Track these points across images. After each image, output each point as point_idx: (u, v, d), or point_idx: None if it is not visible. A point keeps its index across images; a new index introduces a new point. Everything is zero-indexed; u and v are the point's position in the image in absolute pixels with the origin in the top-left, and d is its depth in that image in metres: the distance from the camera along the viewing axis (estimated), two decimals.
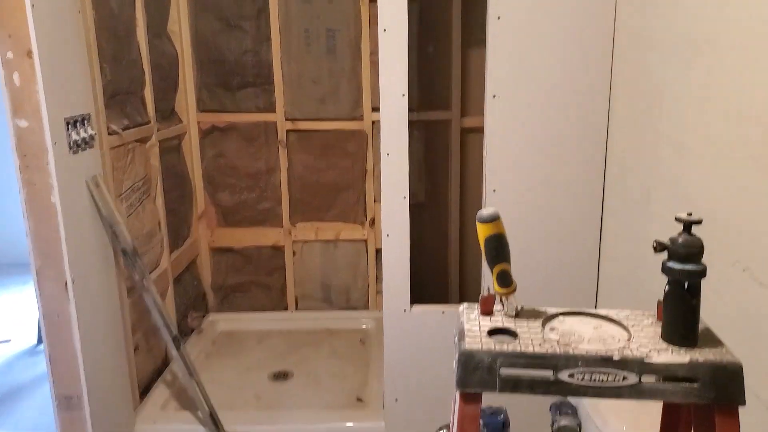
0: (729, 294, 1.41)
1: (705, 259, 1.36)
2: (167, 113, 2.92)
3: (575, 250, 2.41)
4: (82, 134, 2.03)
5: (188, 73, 3.09)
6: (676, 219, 1.00)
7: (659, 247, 0.99)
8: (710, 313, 1.47)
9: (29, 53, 1.80)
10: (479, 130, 2.41)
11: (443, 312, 2.53)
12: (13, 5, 1.77)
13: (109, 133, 2.26)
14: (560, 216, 2.38)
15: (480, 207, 2.44)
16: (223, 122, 3.17)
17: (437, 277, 3.43)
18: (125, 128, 2.38)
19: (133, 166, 2.48)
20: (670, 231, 1.03)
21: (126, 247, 2.22)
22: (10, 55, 1.80)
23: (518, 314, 1.13)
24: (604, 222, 2.36)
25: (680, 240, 0.98)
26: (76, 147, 2.00)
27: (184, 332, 3.07)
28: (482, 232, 1.09)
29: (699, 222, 0.98)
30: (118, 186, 2.35)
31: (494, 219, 1.09)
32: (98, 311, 2.12)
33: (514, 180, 2.37)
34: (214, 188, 3.26)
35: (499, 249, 1.10)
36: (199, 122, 3.16)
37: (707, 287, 1.46)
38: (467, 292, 3.40)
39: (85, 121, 2.05)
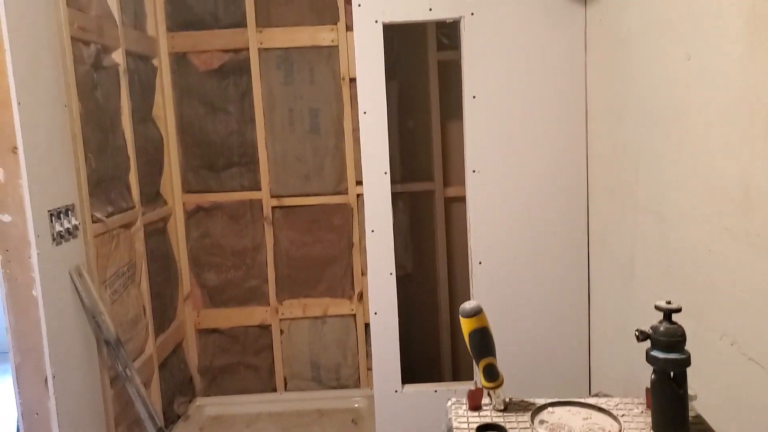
0: (718, 369, 1.40)
1: (693, 332, 1.35)
2: (152, 196, 2.94)
3: (563, 322, 2.40)
4: (66, 225, 2.03)
5: (173, 156, 3.13)
6: (656, 308, 1.00)
7: (641, 336, 0.99)
8: (701, 388, 1.45)
9: (14, 149, 1.82)
10: (463, 200, 2.44)
11: (435, 391, 2.49)
12: None
13: (93, 222, 2.26)
14: (547, 287, 2.39)
15: (468, 278, 2.45)
16: (208, 202, 3.19)
17: (429, 352, 3.39)
18: (109, 215, 2.38)
19: (117, 252, 2.47)
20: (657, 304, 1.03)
21: (109, 337, 2.19)
22: None
23: (507, 407, 1.11)
24: (592, 294, 2.36)
25: (661, 329, 0.99)
26: (60, 238, 2.00)
27: (170, 419, 2.98)
28: (466, 326, 1.09)
29: (678, 310, 0.99)
30: (102, 273, 2.33)
31: (477, 313, 1.08)
32: (80, 406, 2.07)
33: (498, 252, 2.39)
34: (200, 268, 3.24)
35: (483, 343, 1.10)
36: (184, 203, 3.18)
37: (697, 361, 1.45)
38: (460, 367, 3.35)
39: (69, 212, 2.05)
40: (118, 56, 2.48)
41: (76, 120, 2.11)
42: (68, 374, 2.00)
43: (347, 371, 3.34)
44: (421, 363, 3.36)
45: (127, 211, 2.55)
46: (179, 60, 3.07)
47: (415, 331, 3.35)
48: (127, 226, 2.58)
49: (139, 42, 2.76)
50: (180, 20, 3.04)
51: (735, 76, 1.31)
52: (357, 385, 3.34)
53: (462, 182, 2.43)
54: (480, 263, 2.40)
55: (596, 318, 2.32)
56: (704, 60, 1.44)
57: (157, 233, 2.95)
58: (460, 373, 3.37)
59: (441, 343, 3.40)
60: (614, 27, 2.02)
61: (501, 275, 2.39)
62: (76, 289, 2.09)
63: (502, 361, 2.32)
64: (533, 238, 2.36)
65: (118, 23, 2.47)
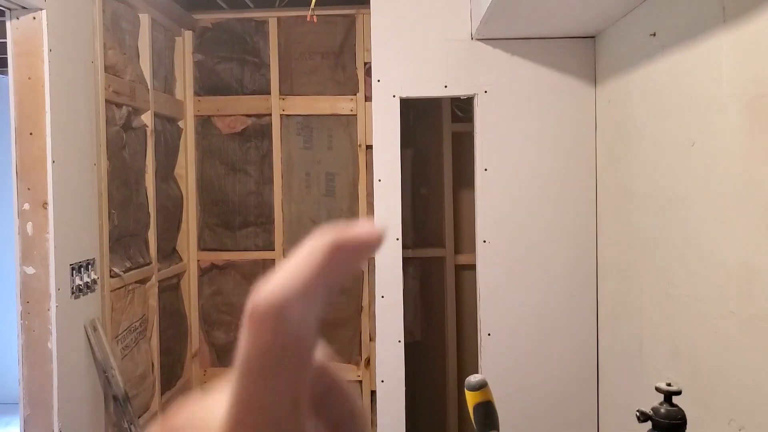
0: None
1: (701, 416, 1.35)
2: (168, 252, 3.00)
3: (572, 400, 2.38)
4: (85, 279, 2.09)
5: (192, 214, 3.21)
6: (656, 389, 1.02)
7: (642, 417, 1.01)
8: None
9: (45, 204, 1.90)
10: (473, 267, 2.48)
11: None
12: (34, 159, 1.89)
13: (111, 276, 2.31)
14: (556, 363, 2.38)
15: (477, 347, 2.45)
16: (222, 260, 3.25)
17: (435, 422, 3.35)
18: (127, 270, 2.44)
19: (131, 307, 2.52)
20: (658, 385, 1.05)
21: (117, 393, 2.20)
22: (26, 206, 1.90)
23: None
24: (601, 372, 2.35)
25: (662, 410, 1.00)
26: (78, 291, 2.05)
27: None
28: (471, 399, 1.11)
29: (678, 393, 1.01)
30: (115, 327, 2.37)
31: (482, 386, 1.11)
32: None
33: (508, 324, 2.40)
34: (210, 326, 3.27)
35: (487, 416, 1.12)
36: (198, 260, 3.24)
37: None
38: None
39: (89, 266, 2.11)
40: (147, 118, 2.60)
41: (104, 178, 2.20)
42: (75, 429, 2.01)
43: None
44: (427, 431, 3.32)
45: (143, 267, 2.61)
46: (204, 122, 3.20)
47: (421, 400, 3.32)
48: (143, 281, 2.63)
49: (168, 105, 2.89)
50: (207, 85, 3.19)
51: (736, 163, 1.36)
52: None
53: (472, 250, 2.48)
54: (489, 335, 2.41)
55: (605, 397, 2.31)
56: (707, 146, 1.50)
57: (170, 289, 2.99)
58: None
59: (448, 414, 3.36)
60: (621, 109, 2.10)
61: (510, 348, 2.40)
62: (90, 343, 2.13)
63: None
64: (542, 311, 2.38)
65: (149, 87, 2.60)
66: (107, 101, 2.20)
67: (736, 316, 1.35)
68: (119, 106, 2.33)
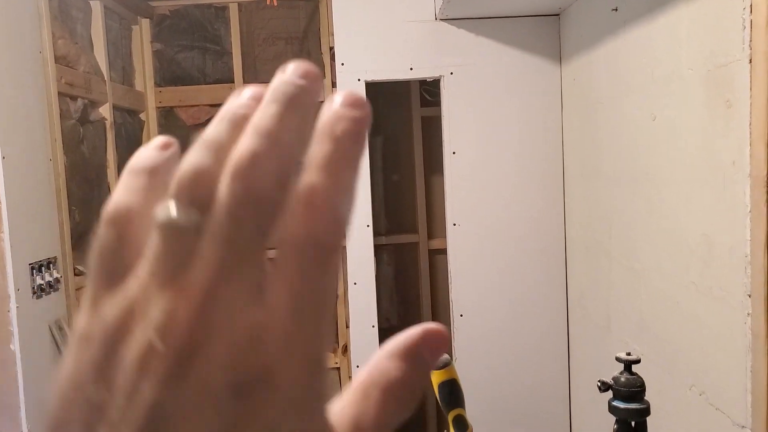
0: (688, 419, 1.42)
1: (664, 384, 1.37)
2: None
3: (544, 375, 2.40)
4: (47, 278, 2.03)
5: None
6: (617, 359, 1.03)
7: (603, 386, 1.01)
8: None
9: None
10: (446, 252, 2.47)
11: None
12: None
13: (76, 274, 2.26)
14: (527, 340, 2.39)
15: (451, 331, 2.45)
16: None
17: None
18: None
19: None
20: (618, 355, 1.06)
21: None
22: None
23: None
24: (571, 347, 2.37)
25: (622, 379, 1.01)
26: (41, 291, 2.00)
27: None
28: (435, 378, 1.10)
29: (637, 361, 1.02)
30: None
31: (446, 365, 1.10)
32: None
33: (479, 305, 2.40)
34: None
35: (453, 395, 1.11)
36: None
37: (670, 410, 1.46)
38: (444, 421, 3.31)
39: (51, 265, 2.06)
40: (105, 111, 2.53)
41: (61, 174, 2.14)
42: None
43: None
44: (405, 421, 3.32)
45: None
46: (167, 114, 3.14)
47: None
48: None
49: (127, 97, 2.82)
50: (168, 76, 3.12)
51: (695, 135, 1.37)
52: None
53: (445, 234, 2.47)
54: (461, 316, 2.41)
55: (575, 372, 2.33)
56: (668, 121, 1.51)
57: None
58: (443, 427, 3.33)
59: (426, 397, 3.37)
60: (586, 88, 2.10)
61: (482, 328, 2.40)
62: (56, 343, 2.07)
63: (483, 413, 2.31)
64: (513, 291, 2.39)
65: (106, 78, 2.53)
66: (60, 93, 2.13)
67: (696, 287, 1.37)
68: (74, 98, 2.26)
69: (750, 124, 1.13)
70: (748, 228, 1.14)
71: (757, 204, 1.11)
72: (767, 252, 1.08)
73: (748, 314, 1.16)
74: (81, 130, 2.33)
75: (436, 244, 3.29)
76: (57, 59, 2.12)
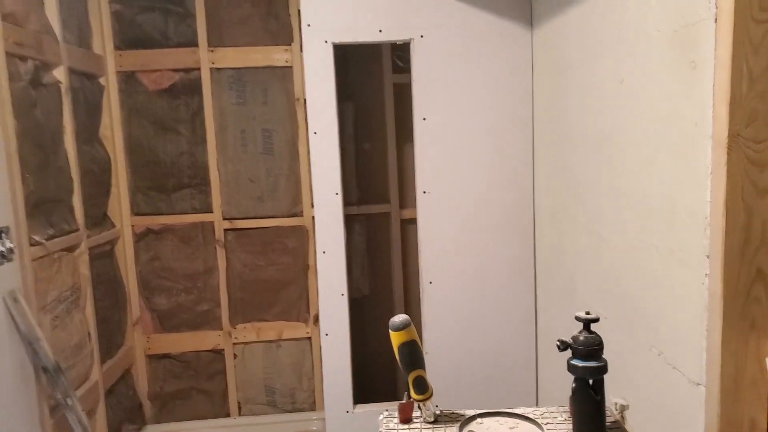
0: (647, 378, 1.42)
1: (625, 345, 1.38)
2: (99, 219, 2.86)
3: (512, 339, 2.40)
4: (0, 248, 1.96)
5: (122, 177, 3.06)
6: (576, 318, 1.01)
7: (562, 345, 1.00)
8: (632, 397, 1.47)
9: None
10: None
11: (387, 410, 2.45)
12: None
13: (32, 244, 2.18)
14: (496, 306, 2.39)
15: (420, 299, 2.44)
16: (158, 225, 3.13)
17: (385, 372, 3.35)
18: (50, 238, 2.31)
19: (59, 276, 2.40)
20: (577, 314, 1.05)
21: (47, 364, 2.10)
22: None
23: (437, 419, 1.10)
24: (539, 311, 2.37)
25: (581, 338, 1.00)
26: None
27: None
28: (395, 339, 1.08)
29: (596, 320, 1.00)
30: (42, 298, 2.25)
31: (406, 326, 1.08)
32: None
33: (448, 272, 2.39)
34: (150, 292, 3.17)
35: (413, 355, 1.09)
36: (133, 226, 3.11)
37: (631, 370, 1.47)
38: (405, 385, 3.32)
39: (3, 234, 1.98)
40: (59, 73, 2.43)
41: (12, 138, 2.05)
42: (3, 403, 1.91)
43: (302, 395, 3.28)
44: (377, 383, 3.33)
45: (69, 234, 2.48)
46: (128, 79, 3.03)
47: (371, 353, 3.32)
48: (70, 249, 2.50)
49: (84, 60, 2.71)
50: (128, 38, 3.00)
51: (660, 97, 1.35)
52: (313, 408, 3.28)
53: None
54: (431, 283, 2.39)
55: (543, 335, 2.34)
56: (635, 83, 1.48)
57: (103, 256, 2.87)
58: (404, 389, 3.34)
59: (396, 367, 3.36)
60: (556, 52, 2.06)
61: (451, 295, 2.39)
62: (11, 314, 2.01)
63: (453, 377, 2.31)
64: (482, 257, 2.37)
65: (59, 39, 2.42)
66: (8, 54, 2.03)
67: (657, 249, 1.36)
68: (23, 59, 2.16)
69: (713, 84, 1.12)
70: (709, 190, 1.14)
71: (717, 165, 1.10)
72: (725, 213, 1.08)
73: (706, 275, 1.16)
74: (33, 93, 2.23)
75: (408, 213, 3.27)
76: (4, 17, 2.01)
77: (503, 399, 2.38)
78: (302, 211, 3.17)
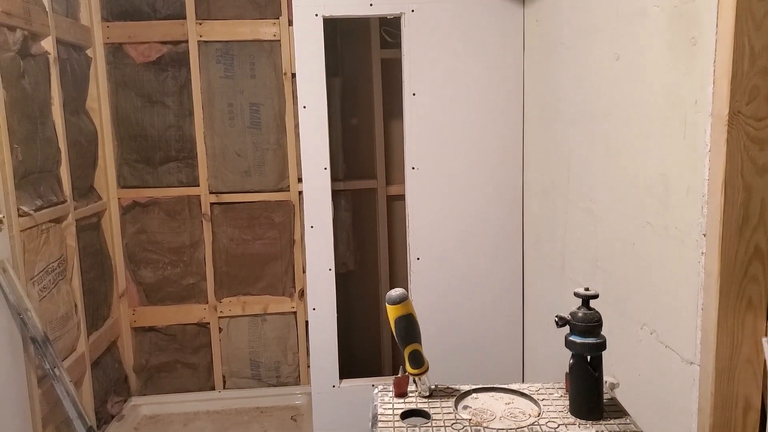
0: (639, 356, 1.46)
1: (617, 323, 1.40)
2: (85, 191, 2.85)
3: (499, 315, 2.45)
4: None
5: (108, 150, 3.04)
6: (575, 294, 1.04)
7: (560, 321, 1.02)
8: (623, 375, 1.51)
9: None
10: (404, 198, 2.46)
11: (373, 385, 2.49)
12: None
13: (20, 215, 2.17)
14: (483, 282, 2.43)
15: (407, 275, 2.47)
16: (145, 197, 3.12)
17: (369, 347, 3.40)
18: (38, 209, 2.30)
19: (47, 247, 2.39)
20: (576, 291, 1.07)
21: (35, 335, 2.11)
22: None
23: (432, 394, 1.13)
24: (526, 287, 2.42)
25: (579, 314, 1.02)
26: None
27: (103, 419, 2.89)
28: (392, 313, 1.10)
29: (595, 296, 1.03)
30: (30, 269, 2.25)
31: (403, 300, 1.10)
32: (5, 405, 1.98)
33: (436, 248, 2.42)
34: (136, 265, 3.16)
35: (409, 329, 1.11)
36: (119, 198, 3.09)
37: (622, 348, 1.51)
38: (400, 363, 3.38)
39: None
40: (48, 44, 2.39)
41: (1, 109, 2.03)
42: None
43: (287, 369, 3.32)
44: (362, 359, 3.37)
45: (57, 206, 2.46)
46: (115, 51, 2.99)
47: (356, 328, 3.36)
48: (58, 220, 2.49)
49: (72, 31, 2.67)
50: (116, 10, 2.96)
51: (658, 74, 1.36)
52: (297, 382, 3.32)
53: (404, 181, 2.45)
54: (418, 259, 2.43)
55: (530, 310, 2.39)
56: (631, 60, 1.49)
57: (90, 228, 2.86)
58: (399, 363, 3.40)
59: (382, 339, 3.42)
60: (549, 28, 2.08)
61: (438, 271, 2.42)
62: (0, 285, 2.01)
63: (440, 353, 2.36)
64: (470, 234, 2.41)
65: (47, 10, 2.38)
66: None
67: (652, 227, 1.38)
68: (12, 29, 2.13)
69: (714, 61, 1.12)
70: (707, 167, 1.14)
71: (716, 143, 1.10)
72: (724, 191, 1.08)
73: (702, 253, 1.17)
74: (21, 63, 2.20)
75: (394, 190, 3.29)
76: None
77: (490, 373, 2.44)
78: (289, 186, 3.17)
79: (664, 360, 1.34)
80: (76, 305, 2.62)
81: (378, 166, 3.29)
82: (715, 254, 1.11)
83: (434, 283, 2.43)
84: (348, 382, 2.49)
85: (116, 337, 3.12)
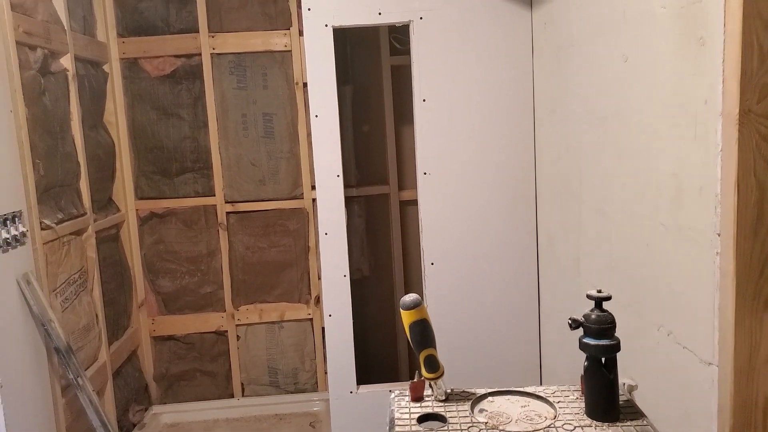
0: (656, 358, 1.45)
1: (634, 325, 1.39)
2: (104, 203, 2.90)
3: (515, 319, 2.46)
4: (13, 232, 2.00)
5: (126, 162, 3.10)
6: (588, 296, 1.05)
7: (574, 324, 1.04)
8: (640, 377, 1.51)
9: None
10: (417, 203, 2.49)
11: (390, 391, 2.51)
12: None
13: (42, 228, 2.22)
14: (498, 286, 2.44)
15: (422, 280, 2.49)
16: (162, 208, 3.17)
17: (386, 353, 3.42)
18: (59, 222, 2.35)
19: (68, 259, 2.44)
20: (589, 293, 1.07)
21: (59, 345, 2.16)
22: None
23: (448, 398, 1.15)
24: (541, 291, 2.42)
25: (593, 316, 1.04)
26: (6, 245, 1.97)
27: (125, 428, 2.94)
28: (406, 318, 1.12)
29: (608, 298, 1.04)
30: (52, 281, 2.30)
31: (417, 305, 1.12)
32: (30, 415, 2.03)
33: (450, 253, 2.44)
34: (155, 275, 3.21)
35: (424, 334, 1.13)
36: (137, 210, 3.15)
37: (639, 350, 1.50)
38: (416, 368, 3.39)
39: (16, 219, 2.02)
40: (66, 61, 2.45)
41: (23, 126, 2.08)
42: (17, 383, 1.96)
43: (305, 375, 3.35)
44: (378, 364, 3.39)
45: (77, 218, 2.51)
46: (131, 66, 3.05)
47: (372, 333, 3.38)
48: (78, 233, 2.54)
49: (89, 47, 2.73)
50: (131, 26, 3.02)
51: (667, 75, 1.37)
52: (315, 388, 3.35)
53: (416, 185, 2.48)
54: (432, 264, 2.44)
55: (546, 313, 2.39)
56: (640, 61, 1.50)
57: (109, 240, 2.91)
58: (415, 368, 3.41)
59: (398, 344, 3.44)
60: (557, 31, 2.09)
61: (453, 275, 2.44)
62: (24, 296, 2.06)
63: (455, 358, 2.37)
64: (483, 238, 2.42)
65: (66, 28, 2.44)
66: (18, 43, 2.05)
67: (665, 228, 1.38)
68: (33, 48, 2.18)
69: (723, 60, 1.12)
70: (719, 167, 1.14)
71: (728, 142, 1.10)
72: (737, 190, 1.08)
73: (717, 253, 1.16)
74: (42, 81, 2.25)
75: (406, 195, 3.31)
76: (13, 7, 2.03)
77: (507, 377, 2.44)
78: (303, 194, 3.21)
79: (682, 361, 1.33)
80: (97, 316, 2.67)
81: (390, 172, 3.31)
82: (730, 254, 1.10)
83: (449, 287, 2.44)
84: (365, 388, 2.51)
85: (136, 347, 3.17)
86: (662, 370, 1.42)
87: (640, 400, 1.43)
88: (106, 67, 2.95)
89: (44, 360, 2.16)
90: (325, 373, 3.28)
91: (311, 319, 3.31)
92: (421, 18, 2.35)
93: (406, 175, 3.33)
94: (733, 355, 1.11)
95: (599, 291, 1.07)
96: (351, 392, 2.49)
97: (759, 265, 1.09)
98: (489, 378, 2.42)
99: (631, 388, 1.46)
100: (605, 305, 1.13)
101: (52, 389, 2.21)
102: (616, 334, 1.05)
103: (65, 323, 2.35)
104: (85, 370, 2.47)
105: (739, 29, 1.05)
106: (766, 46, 1.05)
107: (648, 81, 1.46)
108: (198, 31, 3.03)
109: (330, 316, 2.47)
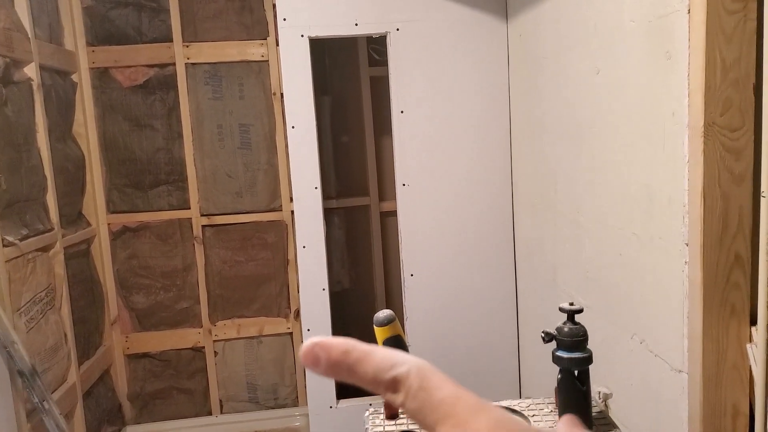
0: (629, 366, 1.44)
1: (607, 333, 1.39)
2: (74, 217, 2.82)
3: (494, 330, 2.42)
4: None
5: (96, 175, 3.02)
6: (560, 309, 1.02)
7: (547, 337, 1.00)
8: (614, 385, 1.49)
9: None
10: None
11: (370, 404, 2.46)
12: None
13: (5, 245, 2.14)
14: (477, 297, 2.41)
15: (401, 291, 2.44)
16: (135, 222, 3.09)
17: None
18: (24, 238, 2.27)
19: (34, 277, 2.35)
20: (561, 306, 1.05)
21: (23, 367, 2.07)
22: None
23: None
24: (519, 302, 2.39)
25: (565, 329, 1.00)
26: None
27: None
28: (380, 335, 1.08)
29: (579, 311, 1.01)
30: (16, 300, 2.21)
31: (391, 321, 1.08)
32: None
33: (429, 264, 2.39)
34: (128, 291, 3.13)
35: (397, 350, 1.09)
36: (109, 224, 3.07)
37: (614, 358, 1.49)
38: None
39: None
40: (30, 71, 2.38)
41: None
42: None
43: (285, 390, 3.27)
44: None
45: (44, 234, 2.43)
46: (101, 75, 2.98)
47: None
48: (45, 249, 2.46)
49: (56, 56, 2.66)
50: (101, 34, 2.95)
51: (637, 87, 1.36)
52: (296, 403, 3.28)
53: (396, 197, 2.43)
54: (412, 275, 2.40)
55: (525, 323, 2.36)
56: (611, 73, 1.49)
57: (79, 255, 2.82)
58: None
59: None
60: (532, 43, 2.07)
61: (432, 286, 2.40)
62: None
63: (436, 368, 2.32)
64: (462, 249, 2.38)
65: (30, 36, 2.37)
66: None
67: (637, 238, 1.38)
68: None
69: (688, 74, 1.13)
70: (686, 178, 1.15)
71: (694, 153, 1.11)
72: (703, 201, 1.09)
73: (686, 262, 1.17)
74: (4, 91, 2.18)
75: (387, 206, 3.27)
76: None
77: (487, 388, 2.40)
78: (281, 206, 3.15)
79: (655, 369, 1.33)
80: (65, 335, 2.58)
81: (370, 183, 3.27)
82: (698, 263, 1.13)
83: (428, 298, 2.40)
84: (345, 402, 2.46)
85: (109, 365, 3.07)
86: (636, 378, 1.42)
87: (616, 408, 1.43)
88: (74, 77, 2.87)
89: (7, 384, 2.08)
90: (306, 387, 3.21)
91: (291, 334, 3.24)
92: (398, 29, 2.32)
93: (386, 186, 3.29)
94: (701, 363, 1.13)
95: (571, 304, 1.04)
96: (331, 407, 2.43)
97: (725, 274, 1.11)
98: (470, 388, 2.37)
99: (606, 396, 1.45)
100: (578, 317, 1.12)
101: (17, 414, 2.12)
102: (588, 346, 1.02)
103: (30, 344, 2.26)
104: (53, 391, 2.38)
105: (703, 43, 1.07)
106: (729, 60, 1.07)
107: (619, 93, 1.45)
108: (172, 41, 2.97)
109: (309, 330, 2.42)
